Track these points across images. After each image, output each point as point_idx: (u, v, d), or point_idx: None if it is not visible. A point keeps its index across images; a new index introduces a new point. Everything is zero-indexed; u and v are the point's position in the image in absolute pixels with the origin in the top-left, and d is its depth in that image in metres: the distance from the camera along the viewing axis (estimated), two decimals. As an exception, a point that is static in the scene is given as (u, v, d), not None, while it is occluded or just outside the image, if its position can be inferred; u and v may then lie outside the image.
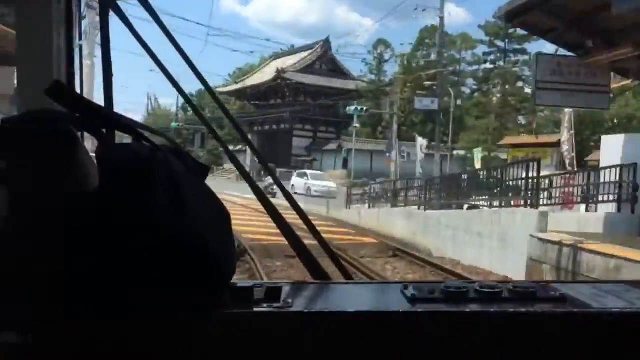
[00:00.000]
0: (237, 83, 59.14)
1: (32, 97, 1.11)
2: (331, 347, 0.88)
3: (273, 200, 1.35)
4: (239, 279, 1.01)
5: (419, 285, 0.98)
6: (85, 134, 1.02)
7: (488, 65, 51.02)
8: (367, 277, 10.53)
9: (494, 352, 0.89)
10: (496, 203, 13.87)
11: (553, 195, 14.70)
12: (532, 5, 9.91)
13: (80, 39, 1.28)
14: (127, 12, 1.26)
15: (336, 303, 1.00)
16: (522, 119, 48.47)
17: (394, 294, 0.97)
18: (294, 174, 39.73)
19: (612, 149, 12.48)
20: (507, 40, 50.30)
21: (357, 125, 45.78)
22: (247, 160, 54.89)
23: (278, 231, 1.28)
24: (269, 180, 27.06)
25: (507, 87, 45.16)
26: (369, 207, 23.81)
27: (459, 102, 40.47)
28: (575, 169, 18.54)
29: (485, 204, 14.59)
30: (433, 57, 47.49)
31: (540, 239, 9.93)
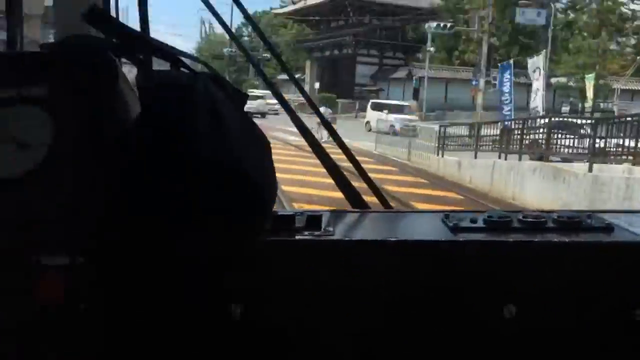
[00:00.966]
0: (294, 3, 52.51)
1: (69, 21, 1.12)
2: (373, 275, 0.91)
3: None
4: None
5: (460, 214, 0.99)
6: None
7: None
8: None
9: (538, 282, 0.90)
10: None
11: None
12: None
13: None
14: None
15: (377, 231, 1.03)
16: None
17: (435, 223, 0.99)
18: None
19: None
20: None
21: (432, 49, 38.74)
22: (306, 89, 49.08)
23: None
24: (328, 112, 22.27)
25: (608, 2, 36.10)
26: (476, 156, 16.50)
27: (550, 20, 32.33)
28: None
29: None
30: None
31: None
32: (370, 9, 48.60)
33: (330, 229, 0.96)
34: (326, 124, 1.34)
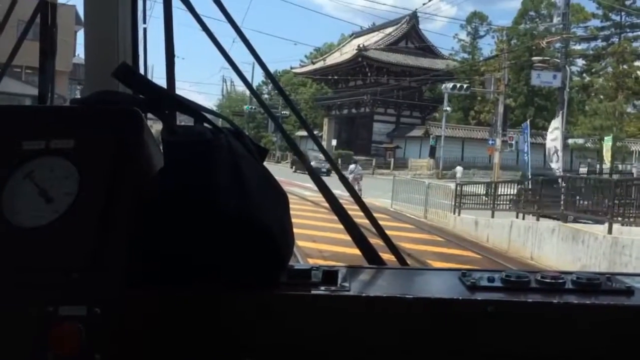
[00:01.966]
0: (313, 63, 54.23)
1: (99, 78, 1.17)
2: (389, 332, 0.90)
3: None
4: None
5: (477, 273, 0.98)
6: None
7: (599, 43, 43.00)
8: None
9: (557, 344, 0.88)
10: None
11: None
12: None
13: (144, 22, 1.35)
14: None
15: (393, 288, 1.02)
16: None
17: (452, 281, 0.98)
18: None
19: None
20: (623, 13, 41.67)
21: (448, 108, 39.21)
22: (323, 145, 49.56)
23: None
24: (351, 167, 22.50)
25: (624, 66, 36.45)
26: (493, 215, 16.31)
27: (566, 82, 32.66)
28: None
29: None
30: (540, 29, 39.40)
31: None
32: (387, 70, 49.64)
33: (346, 284, 0.95)
34: (344, 181, 1.36)
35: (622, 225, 11.81)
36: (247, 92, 57.81)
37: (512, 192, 17.98)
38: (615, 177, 21.15)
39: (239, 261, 0.92)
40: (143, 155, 0.99)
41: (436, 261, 11.25)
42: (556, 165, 19.66)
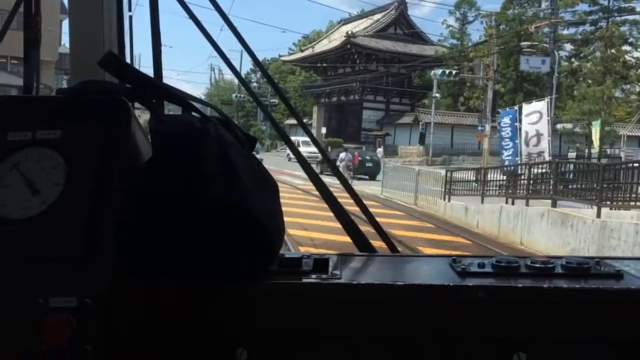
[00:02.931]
0: (302, 51, 53.87)
1: (85, 67, 1.16)
2: (380, 319, 0.90)
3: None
4: None
5: (468, 259, 0.99)
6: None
7: (587, 27, 43.24)
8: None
9: (548, 329, 0.89)
10: None
11: None
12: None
13: (130, 9, 1.33)
14: None
15: (384, 275, 1.03)
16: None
17: (443, 267, 0.99)
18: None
19: None
20: (611, -2, 41.97)
21: (437, 95, 39.16)
22: (313, 133, 49.44)
23: None
24: (341, 155, 22.69)
25: (612, 51, 36.59)
26: (482, 201, 16.40)
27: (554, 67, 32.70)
28: None
29: None
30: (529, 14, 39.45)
31: None
32: (376, 57, 49.53)
33: (338, 272, 0.95)
34: (334, 169, 1.36)
35: (611, 209, 11.94)
36: (236, 81, 57.47)
37: (502, 178, 18.08)
38: (603, 161, 21.31)
39: (229, 250, 0.92)
40: (131, 145, 0.97)
41: (427, 247, 11.32)
42: (535, 150, 19.66)
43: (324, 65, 53.16)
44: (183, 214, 0.90)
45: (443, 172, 19.43)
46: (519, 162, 19.47)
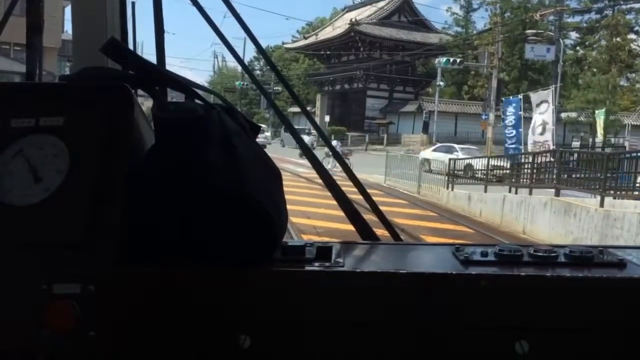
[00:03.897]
0: (305, 39, 53.51)
1: (87, 53, 1.16)
2: (383, 307, 0.90)
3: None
4: None
5: (471, 247, 0.99)
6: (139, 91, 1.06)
7: (593, 15, 42.75)
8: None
9: (550, 318, 0.89)
10: None
11: None
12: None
13: None
14: None
15: (387, 263, 1.02)
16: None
17: (446, 256, 0.99)
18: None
19: None
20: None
21: (441, 83, 38.92)
22: (316, 121, 49.37)
23: None
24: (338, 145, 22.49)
25: (617, 39, 36.27)
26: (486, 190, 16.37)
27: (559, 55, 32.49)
28: None
29: None
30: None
31: None
32: (380, 44, 49.26)
33: (340, 260, 0.95)
34: (337, 156, 1.35)
35: (614, 198, 11.90)
36: (239, 68, 57.29)
37: (505, 166, 18.04)
38: (607, 150, 21.22)
39: (233, 238, 0.92)
40: (134, 132, 0.97)
41: (429, 236, 11.32)
42: (543, 139, 19.61)
43: (328, 53, 52.91)
44: (185, 201, 0.90)
45: (446, 160, 19.40)
46: (523, 151, 19.43)
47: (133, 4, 1.27)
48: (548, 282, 0.90)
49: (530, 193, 14.17)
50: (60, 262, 0.88)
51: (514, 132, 21.24)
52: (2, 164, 0.93)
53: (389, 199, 16.46)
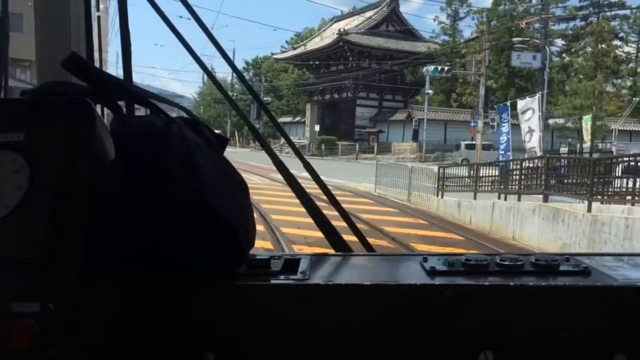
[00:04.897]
0: (294, 49, 53.66)
1: (51, 68, 1.14)
2: (348, 319, 0.90)
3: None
4: None
5: (439, 257, 0.99)
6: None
7: (578, 23, 43.36)
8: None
9: (515, 327, 0.89)
10: None
11: None
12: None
13: (98, 10, 1.38)
14: None
15: (355, 275, 1.03)
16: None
17: (414, 266, 0.99)
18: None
19: None
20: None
21: (430, 91, 39.21)
22: (306, 132, 49.59)
23: None
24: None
25: (602, 46, 36.76)
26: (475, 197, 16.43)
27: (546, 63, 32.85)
28: None
29: None
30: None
31: None
32: (369, 54, 49.47)
33: (307, 272, 0.95)
34: (307, 166, 1.34)
35: (602, 203, 11.98)
36: (228, 80, 57.29)
37: (494, 174, 18.12)
38: (595, 155, 21.37)
39: (196, 252, 0.91)
40: (95, 147, 0.96)
41: (420, 244, 11.32)
42: (530, 145, 19.75)
43: (317, 63, 53.08)
44: (147, 215, 0.89)
45: (435, 168, 19.46)
46: (511, 157, 19.54)
47: (98, 17, 1.27)
48: (512, 291, 0.90)
49: (519, 199, 14.23)
50: (18, 281, 0.87)
51: (506, 138, 21.35)
52: None
53: (380, 207, 16.47)
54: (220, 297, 0.91)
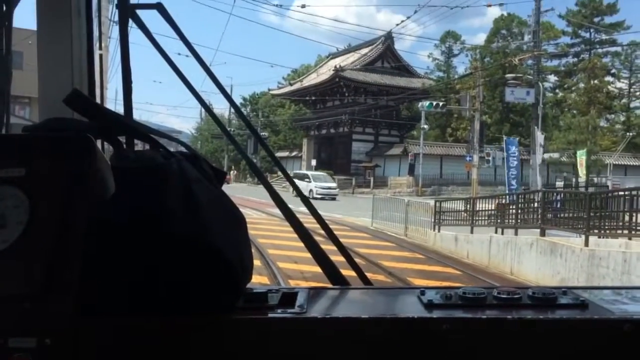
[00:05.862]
0: (291, 85, 54.05)
1: (53, 105, 1.16)
2: (346, 353, 0.89)
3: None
4: None
5: (436, 290, 0.99)
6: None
7: (570, 59, 44.14)
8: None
9: (512, 359, 0.89)
10: None
11: None
12: None
13: (100, 48, 1.43)
14: (148, 22, 1.27)
15: (352, 308, 1.03)
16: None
17: (412, 299, 0.99)
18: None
19: None
20: (592, 30, 42.90)
21: (426, 126, 39.46)
22: (303, 166, 49.75)
23: None
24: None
25: (595, 82, 37.35)
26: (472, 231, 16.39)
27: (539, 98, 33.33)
28: None
29: None
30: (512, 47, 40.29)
31: None
32: (365, 89, 50.01)
33: (304, 306, 0.95)
34: (304, 201, 1.35)
35: (599, 237, 11.95)
36: (226, 115, 57.67)
37: (491, 208, 18.13)
38: (591, 189, 21.45)
39: (193, 286, 0.91)
40: (96, 183, 0.97)
41: (417, 278, 11.23)
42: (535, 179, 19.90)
43: (313, 98, 53.59)
44: (145, 250, 0.90)
45: (432, 202, 19.48)
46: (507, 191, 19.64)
47: (100, 56, 1.29)
48: (510, 324, 0.90)
49: (516, 233, 14.20)
50: (15, 316, 0.86)
51: (516, 172, 21.40)
52: None
53: (377, 241, 16.40)
54: (217, 332, 0.91)
